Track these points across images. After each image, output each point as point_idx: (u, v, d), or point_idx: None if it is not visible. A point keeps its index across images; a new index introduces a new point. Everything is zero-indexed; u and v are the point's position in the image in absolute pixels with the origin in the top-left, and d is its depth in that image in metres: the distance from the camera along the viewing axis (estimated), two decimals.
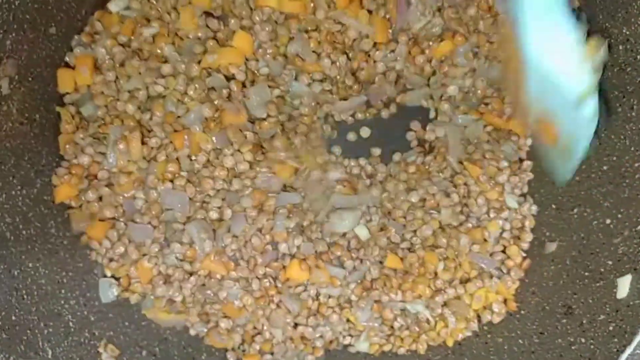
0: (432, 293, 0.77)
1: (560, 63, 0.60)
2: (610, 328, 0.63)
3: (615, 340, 0.61)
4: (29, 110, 0.67)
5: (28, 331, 0.62)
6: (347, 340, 0.79)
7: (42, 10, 0.65)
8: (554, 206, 0.76)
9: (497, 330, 0.76)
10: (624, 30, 0.63)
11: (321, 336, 0.78)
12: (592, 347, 0.64)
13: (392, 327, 0.79)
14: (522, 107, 0.65)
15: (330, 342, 0.80)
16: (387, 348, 0.79)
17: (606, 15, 0.65)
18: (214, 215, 0.74)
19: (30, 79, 0.67)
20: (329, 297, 0.77)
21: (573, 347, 0.66)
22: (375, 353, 0.79)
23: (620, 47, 0.65)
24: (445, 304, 0.77)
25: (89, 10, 0.73)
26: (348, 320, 0.78)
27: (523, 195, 0.79)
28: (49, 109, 0.71)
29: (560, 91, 0.61)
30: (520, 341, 0.73)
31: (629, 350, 0.60)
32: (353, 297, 0.77)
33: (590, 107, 0.63)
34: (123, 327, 0.73)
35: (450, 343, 0.78)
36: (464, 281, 0.77)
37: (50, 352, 0.63)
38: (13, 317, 0.61)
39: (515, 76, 0.63)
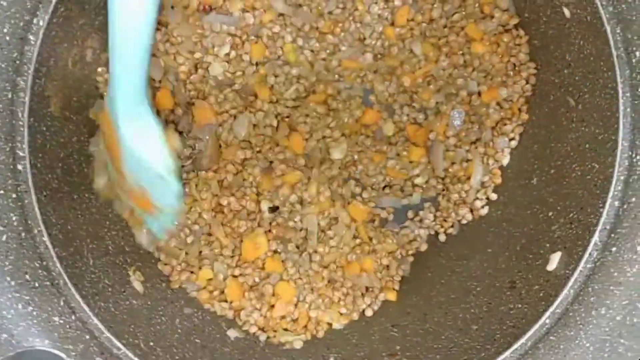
0: None
1: (145, 148, 0.77)
2: (541, 294, 0.75)
3: (543, 302, 0.74)
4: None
5: (77, 241, 0.77)
6: None
7: None
8: (512, 205, 0.91)
9: (456, 302, 0.89)
10: None
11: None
12: (525, 309, 0.76)
13: None
14: (122, 176, 0.80)
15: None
16: None
17: None
18: None
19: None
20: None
21: (512, 312, 0.79)
22: None
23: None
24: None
25: None
26: None
27: None
28: None
29: (148, 168, 0.78)
30: (472, 311, 0.85)
31: (551, 309, 0.73)
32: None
33: (173, 183, 0.81)
34: (149, 263, 0.88)
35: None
36: None
37: (92, 261, 0.78)
38: (68, 227, 0.77)
39: (115, 152, 0.79)
